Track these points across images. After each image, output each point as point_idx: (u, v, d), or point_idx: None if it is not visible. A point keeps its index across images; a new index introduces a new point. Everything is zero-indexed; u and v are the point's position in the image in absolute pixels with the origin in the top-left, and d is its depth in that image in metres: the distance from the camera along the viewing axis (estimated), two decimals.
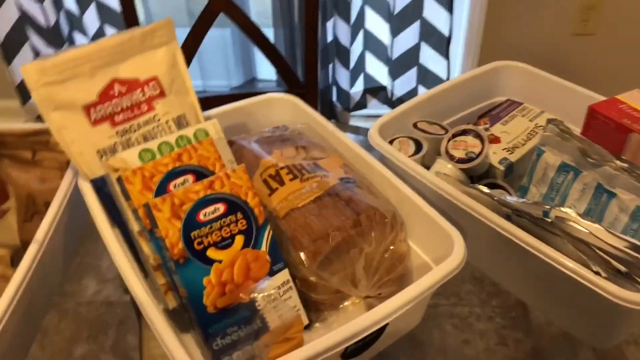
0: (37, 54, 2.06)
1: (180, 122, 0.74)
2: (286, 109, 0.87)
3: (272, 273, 0.63)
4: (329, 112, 2.19)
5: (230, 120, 0.84)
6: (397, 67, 2.10)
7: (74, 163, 0.68)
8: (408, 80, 2.12)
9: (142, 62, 0.72)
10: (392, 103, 2.18)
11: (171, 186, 0.62)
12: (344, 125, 1.20)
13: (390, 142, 0.85)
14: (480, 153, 0.80)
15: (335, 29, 1.99)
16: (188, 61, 1.40)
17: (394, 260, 0.67)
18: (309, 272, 0.63)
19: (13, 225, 0.72)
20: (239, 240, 0.62)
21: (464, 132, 0.83)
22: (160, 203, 0.58)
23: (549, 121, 0.79)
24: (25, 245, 0.65)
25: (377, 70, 2.16)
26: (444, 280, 0.59)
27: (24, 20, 1.97)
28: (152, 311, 0.55)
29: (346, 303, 0.65)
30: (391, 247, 0.67)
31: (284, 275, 0.64)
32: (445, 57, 2.04)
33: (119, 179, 0.61)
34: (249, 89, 2.30)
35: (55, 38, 2.03)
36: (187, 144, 0.66)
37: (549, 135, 0.78)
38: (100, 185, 0.68)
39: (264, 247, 0.63)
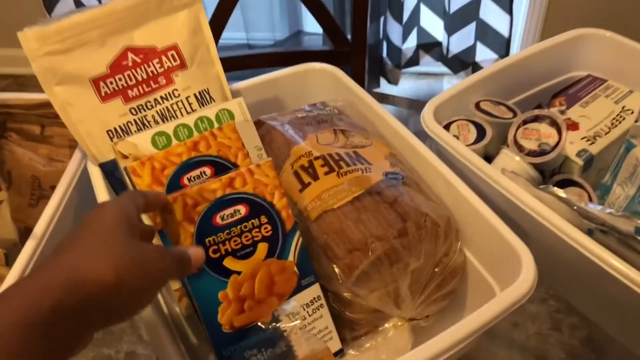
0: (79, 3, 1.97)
1: (204, 98, 0.65)
2: (326, 83, 0.75)
3: (300, 288, 0.54)
4: (378, 69, 2.05)
5: (261, 94, 0.73)
6: (454, 22, 1.93)
7: (81, 145, 0.60)
8: (466, 36, 1.95)
9: (159, 27, 0.63)
10: (447, 60, 2.02)
11: (185, 180, 0.52)
12: (389, 94, 1.08)
13: (447, 126, 0.72)
14: (556, 145, 0.67)
15: None
16: (229, 11, 1.27)
17: (445, 275, 0.57)
18: (342, 287, 0.53)
19: (7, 218, 0.64)
20: (262, 248, 0.52)
21: (536, 118, 0.70)
22: (171, 203, 0.49)
23: None
24: (29, 232, 0.57)
25: (432, 24, 1.99)
26: (510, 309, 0.48)
27: None
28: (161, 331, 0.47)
29: (387, 325, 0.56)
30: (443, 260, 0.56)
31: (315, 290, 0.55)
32: (508, 12, 1.85)
33: (126, 170, 0.51)
34: (294, 42, 2.16)
35: None
36: (209, 127, 0.57)
37: None
38: (111, 170, 0.61)
39: (292, 257, 0.54)
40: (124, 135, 0.60)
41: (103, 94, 0.59)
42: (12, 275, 0.54)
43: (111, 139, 0.60)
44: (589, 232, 0.56)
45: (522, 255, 0.51)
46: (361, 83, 1.43)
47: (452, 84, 2.18)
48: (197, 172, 0.53)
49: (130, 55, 0.61)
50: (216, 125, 0.57)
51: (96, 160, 0.60)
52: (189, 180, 0.52)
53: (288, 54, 1.42)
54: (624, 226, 0.54)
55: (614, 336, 0.64)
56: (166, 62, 0.63)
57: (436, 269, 0.56)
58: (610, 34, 0.81)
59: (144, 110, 0.61)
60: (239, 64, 1.37)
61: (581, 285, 0.52)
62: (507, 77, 0.78)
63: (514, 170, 0.67)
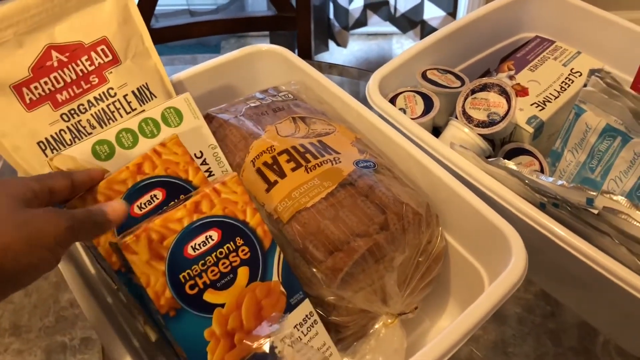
0: None
1: (143, 95, 0.60)
2: (275, 65, 0.71)
3: (290, 308, 0.49)
4: (326, 32, 2.00)
5: (206, 84, 0.69)
6: None
7: (8, 161, 0.55)
8: None
9: (84, 20, 0.57)
10: (395, 20, 1.98)
11: (136, 208, 0.47)
12: (337, 64, 1.04)
13: (394, 98, 0.69)
14: (505, 115, 0.65)
15: None
16: None
17: (429, 262, 0.56)
18: (326, 292, 0.50)
19: None
20: (243, 273, 0.47)
21: (484, 87, 0.67)
22: (133, 243, 0.43)
23: (592, 72, 0.63)
24: None
25: None
26: (508, 295, 0.47)
27: None
28: None
29: (377, 326, 0.53)
30: (427, 248, 0.55)
31: (305, 307, 0.50)
32: None
33: None
34: (237, 7, 2.08)
35: None
36: (155, 130, 0.52)
37: (592, 90, 0.62)
38: None
39: (276, 275, 0.48)
40: (58, 146, 0.55)
41: (28, 101, 0.54)
42: None
43: (43, 151, 0.54)
44: (541, 206, 0.55)
45: (509, 237, 0.50)
46: (308, 48, 1.38)
47: (401, 43, 2.15)
48: (147, 197, 0.48)
49: (54, 54, 0.55)
50: (163, 124, 0.52)
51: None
52: (140, 207, 0.47)
53: (231, 21, 1.35)
54: (576, 197, 0.53)
55: (572, 307, 0.64)
56: (96, 59, 0.57)
57: (420, 259, 0.55)
58: None
59: (77, 115, 0.56)
60: (181, 33, 1.30)
61: (537, 259, 0.51)
62: (454, 43, 0.75)
63: (463, 142, 0.65)
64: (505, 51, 0.80)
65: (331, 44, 2.04)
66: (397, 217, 0.51)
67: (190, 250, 0.44)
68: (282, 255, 0.49)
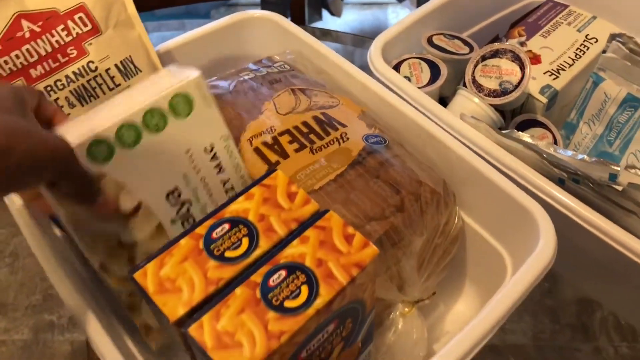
0: None
1: (127, 69, 0.55)
2: (268, 33, 0.66)
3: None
4: (318, 1, 1.93)
5: (194, 54, 0.64)
6: None
7: None
8: None
9: None
10: None
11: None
12: (332, 30, 0.99)
13: (398, 65, 0.64)
14: (519, 84, 0.60)
15: None
16: None
17: (447, 245, 0.52)
18: None
19: None
20: (337, 349, 0.40)
21: (496, 53, 0.62)
22: None
23: (613, 37, 0.58)
24: None
25: None
26: (537, 281, 0.43)
27: None
28: None
29: (392, 316, 0.49)
30: (445, 229, 0.51)
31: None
32: None
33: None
34: None
35: None
36: (163, 122, 0.41)
37: (613, 57, 0.58)
38: None
39: (361, 336, 0.42)
40: None
41: None
42: None
43: None
44: (560, 182, 0.51)
45: (537, 216, 0.46)
46: (301, 17, 1.33)
47: (396, 13, 2.08)
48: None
49: (25, 23, 0.50)
50: (171, 118, 0.42)
51: None
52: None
53: None
54: (598, 173, 0.49)
55: (576, 284, 0.61)
56: (74, 28, 0.52)
57: (438, 240, 0.51)
58: None
59: (55, 92, 0.51)
60: (168, 0, 1.25)
61: (559, 244, 0.47)
62: (461, 6, 0.70)
63: (473, 112, 0.61)
64: (516, 16, 0.75)
65: (325, 13, 1.98)
66: (413, 197, 0.47)
67: (303, 354, 0.36)
68: (373, 315, 0.42)
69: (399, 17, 2.07)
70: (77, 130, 0.38)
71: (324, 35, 0.99)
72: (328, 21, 2.04)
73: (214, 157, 0.45)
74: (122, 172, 0.40)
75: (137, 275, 0.34)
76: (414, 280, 0.49)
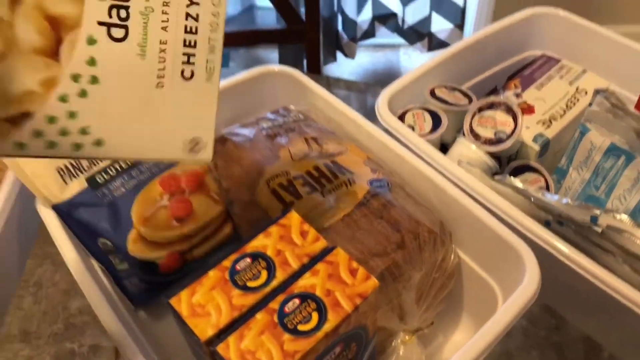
0: None
1: None
2: (285, 86, 0.73)
3: None
4: (334, 43, 2.02)
5: (221, 104, 0.69)
6: None
7: (29, 187, 0.55)
8: (421, 6, 1.95)
9: None
10: (403, 32, 2.01)
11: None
12: (341, 78, 1.06)
13: (403, 115, 0.71)
14: (512, 133, 0.66)
15: None
16: None
17: (444, 279, 0.57)
18: None
19: None
20: None
21: (492, 106, 0.69)
22: None
23: (597, 92, 0.65)
24: None
25: None
26: (523, 311, 0.48)
27: None
28: None
29: (394, 343, 0.54)
30: (442, 265, 0.56)
31: None
32: None
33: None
34: (247, 18, 2.11)
35: None
36: None
37: (597, 110, 0.64)
38: (68, 211, 0.56)
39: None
40: (76, 172, 0.55)
41: None
42: None
43: (62, 177, 0.55)
44: (547, 224, 0.56)
45: (523, 254, 0.51)
46: (317, 60, 1.40)
47: (408, 54, 2.17)
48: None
49: None
50: None
51: (48, 202, 0.56)
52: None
53: (242, 34, 1.38)
54: (580, 216, 0.55)
55: (577, 324, 0.65)
56: None
57: (435, 275, 0.56)
58: (564, 13, 0.81)
59: None
60: None
61: (542, 275, 0.52)
62: (462, 61, 0.77)
63: (470, 159, 0.66)
64: (512, 69, 0.81)
65: (339, 55, 2.07)
66: (413, 235, 0.52)
67: None
68: (375, 340, 0.48)
69: (410, 59, 2.15)
70: None
71: (338, 82, 1.06)
72: (342, 62, 2.12)
73: None
74: None
75: (173, 301, 0.41)
76: (414, 311, 0.54)
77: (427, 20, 1.95)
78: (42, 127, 0.32)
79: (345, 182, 0.57)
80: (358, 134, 0.65)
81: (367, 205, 0.55)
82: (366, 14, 2.00)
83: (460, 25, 1.91)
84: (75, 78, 0.32)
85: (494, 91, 0.80)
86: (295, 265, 0.42)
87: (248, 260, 0.42)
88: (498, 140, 0.67)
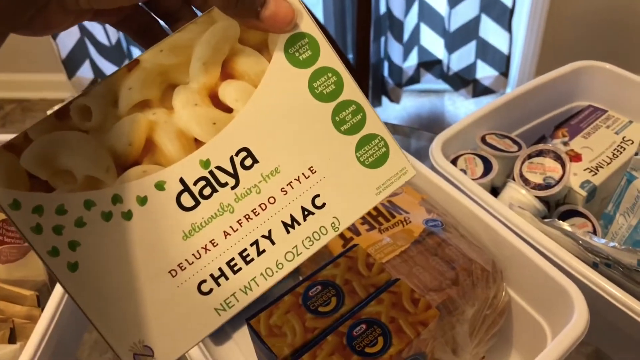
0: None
1: None
2: None
3: None
4: (380, 89, 2.08)
5: None
6: (454, 40, 1.97)
7: None
8: (466, 53, 2.00)
9: None
10: (448, 78, 2.06)
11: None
12: (389, 122, 1.11)
13: (455, 159, 0.75)
14: (560, 180, 0.70)
15: None
16: None
17: (495, 316, 0.61)
18: None
19: (37, 260, 0.67)
20: None
21: (540, 153, 0.73)
22: None
23: None
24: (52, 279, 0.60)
25: (433, 43, 2.03)
26: (571, 349, 0.51)
27: None
28: None
29: None
30: (493, 302, 0.60)
31: None
32: (507, 29, 1.90)
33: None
34: None
35: None
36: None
37: None
38: None
39: None
40: None
41: None
42: (45, 318, 0.57)
43: None
44: (594, 266, 0.59)
45: (572, 293, 0.54)
46: None
47: (453, 100, 2.22)
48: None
49: None
50: None
51: None
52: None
53: None
54: (627, 259, 0.57)
55: None
56: None
57: (487, 312, 0.59)
58: (610, 66, 0.84)
59: None
60: None
61: (591, 318, 0.55)
62: (511, 110, 0.81)
63: (520, 202, 0.70)
64: (560, 118, 0.85)
65: (384, 100, 2.13)
66: (466, 272, 0.56)
67: None
68: None
69: (455, 105, 2.19)
70: None
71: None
72: (387, 107, 2.18)
73: None
74: None
75: (253, 322, 0.45)
76: (466, 345, 0.57)
77: (472, 67, 2.00)
78: None
79: (402, 221, 0.61)
80: (414, 177, 0.69)
81: (422, 242, 0.59)
82: (412, 60, 2.06)
83: (505, 73, 1.95)
84: None
85: (542, 139, 0.83)
86: (362, 294, 0.47)
87: (319, 287, 0.47)
88: (547, 186, 0.70)
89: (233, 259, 0.33)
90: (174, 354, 0.32)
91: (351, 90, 0.35)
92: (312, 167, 0.34)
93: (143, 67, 0.32)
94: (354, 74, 1.41)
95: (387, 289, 0.47)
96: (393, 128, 1.11)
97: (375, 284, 0.48)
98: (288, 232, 0.34)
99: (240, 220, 0.33)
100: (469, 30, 1.93)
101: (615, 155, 0.75)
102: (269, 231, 0.34)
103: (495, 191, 0.77)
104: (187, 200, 0.32)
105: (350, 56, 1.94)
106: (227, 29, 0.33)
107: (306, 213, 0.34)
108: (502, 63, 1.94)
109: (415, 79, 2.10)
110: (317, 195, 0.35)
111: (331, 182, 0.35)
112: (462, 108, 2.17)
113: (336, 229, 0.35)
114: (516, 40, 1.98)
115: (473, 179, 0.73)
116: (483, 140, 0.77)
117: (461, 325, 0.56)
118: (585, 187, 0.72)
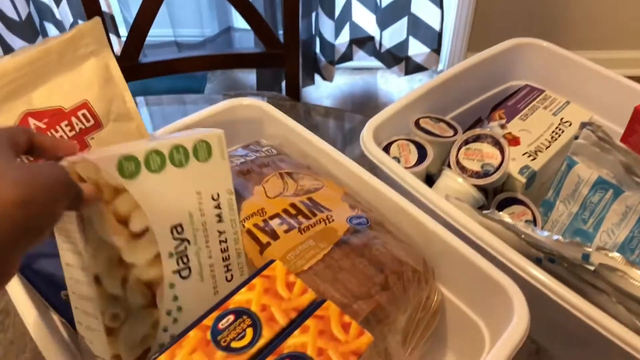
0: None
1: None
2: (256, 118, 0.70)
3: None
4: (312, 66, 2.01)
5: None
6: (386, 16, 1.92)
7: None
8: (398, 30, 1.95)
9: (63, 84, 0.54)
10: (381, 55, 2.01)
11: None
12: (318, 105, 1.05)
13: (388, 146, 0.69)
14: (499, 167, 0.65)
15: None
16: (156, 8, 1.18)
17: (428, 318, 0.55)
18: None
19: None
20: None
21: (478, 138, 0.68)
22: None
23: (584, 125, 0.64)
24: None
25: (365, 19, 1.98)
26: (513, 354, 0.46)
27: None
28: None
29: None
30: (426, 304, 0.54)
31: None
32: (438, 5, 1.86)
33: None
34: (224, 39, 2.09)
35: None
36: (184, 159, 0.48)
37: (584, 143, 0.63)
38: (27, 263, 0.53)
39: None
40: None
41: None
42: None
43: None
44: (538, 261, 0.55)
45: (509, 291, 0.49)
46: (296, 85, 1.39)
47: (385, 78, 2.17)
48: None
49: (32, 121, 0.52)
50: (192, 158, 0.49)
51: None
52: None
53: (219, 57, 1.36)
54: (571, 253, 0.53)
55: (556, 353, 0.64)
56: (77, 124, 0.54)
57: (420, 315, 0.54)
58: (547, 44, 0.81)
59: None
60: (168, 68, 1.30)
61: (533, 314, 0.50)
62: (446, 91, 0.76)
63: (457, 192, 0.65)
64: (496, 99, 0.81)
65: (317, 78, 2.06)
66: (396, 275, 0.50)
67: None
68: None
69: (388, 82, 2.15)
70: (109, 150, 0.45)
71: (314, 108, 1.05)
72: (320, 85, 2.12)
73: (218, 206, 0.51)
74: (141, 194, 0.45)
75: None
76: (400, 355, 0.51)
77: (404, 44, 1.96)
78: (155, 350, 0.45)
79: (324, 219, 0.55)
80: (334, 168, 0.63)
81: (347, 243, 0.52)
82: (344, 37, 2.00)
83: (437, 50, 1.92)
84: (169, 312, 0.46)
85: (479, 122, 0.79)
86: (282, 321, 0.40)
87: (231, 317, 0.40)
88: (485, 174, 0.66)
89: (222, 257, 0.51)
90: None
91: None
92: None
93: None
94: (284, 55, 1.32)
95: (312, 314, 0.40)
96: (325, 110, 1.05)
97: (298, 307, 0.41)
98: None
99: (207, 245, 0.50)
100: (401, 6, 1.89)
101: (553, 138, 0.72)
102: None
103: (430, 179, 0.72)
104: (184, 272, 0.48)
105: (280, 32, 1.86)
106: None
107: None
108: (433, 40, 1.91)
109: (347, 56, 2.05)
110: None
111: None
112: (395, 85, 2.13)
113: None
114: (447, 16, 1.95)
115: (407, 168, 0.67)
116: (417, 124, 0.71)
117: (393, 335, 0.50)
118: (524, 173, 0.68)
